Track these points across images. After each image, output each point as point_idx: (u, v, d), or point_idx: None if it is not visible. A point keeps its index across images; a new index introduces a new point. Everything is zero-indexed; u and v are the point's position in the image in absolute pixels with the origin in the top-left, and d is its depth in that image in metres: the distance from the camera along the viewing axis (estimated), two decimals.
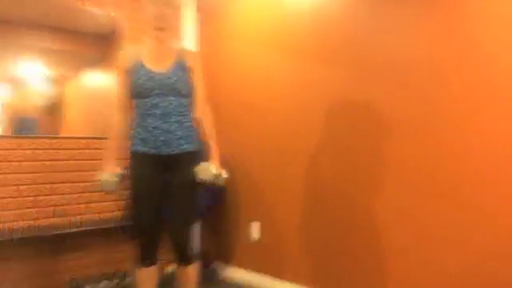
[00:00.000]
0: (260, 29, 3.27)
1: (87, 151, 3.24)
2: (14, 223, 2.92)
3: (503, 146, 2.07)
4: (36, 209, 3.01)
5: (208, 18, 3.75)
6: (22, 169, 2.96)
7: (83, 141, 3.24)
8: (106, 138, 2.19)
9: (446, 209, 2.26)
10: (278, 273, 3.12)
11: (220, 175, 2.02)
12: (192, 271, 2.23)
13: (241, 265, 3.44)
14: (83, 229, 3.08)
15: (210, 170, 2.00)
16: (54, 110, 3.29)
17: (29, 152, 2.99)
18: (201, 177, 2.01)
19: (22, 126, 3.12)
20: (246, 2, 3.40)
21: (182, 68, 2.08)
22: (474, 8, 2.17)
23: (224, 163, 3.42)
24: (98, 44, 3.53)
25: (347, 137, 2.72)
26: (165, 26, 2.07)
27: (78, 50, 3.44)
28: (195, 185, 2.07)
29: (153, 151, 2.07)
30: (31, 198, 2.99)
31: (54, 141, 3.12)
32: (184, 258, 2.19)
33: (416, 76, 2.39)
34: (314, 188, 2.90)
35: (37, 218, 3.01)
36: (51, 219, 3.07)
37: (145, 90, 2.04)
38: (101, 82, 3.56)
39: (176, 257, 2.19)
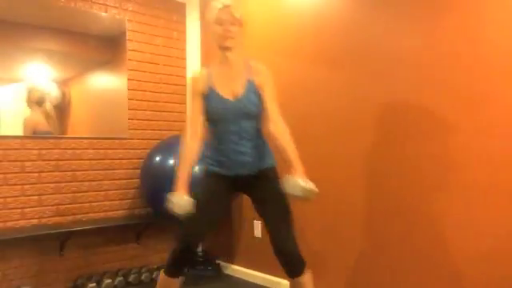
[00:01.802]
0: (262, 32, 3.30)
1: (91, 151, 3.28)
2: (18, 222, 2.95)
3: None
4: (40, 208, 3.04)
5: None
6: (26, 168, 3.00)
7: (86, 141, 3.27)
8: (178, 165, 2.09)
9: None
10: (279, 271, 3.12)
11: (310, 189, 1.83)
12: (308, 280, 2.05)
13: (244, 262, 3.45)
14: (87, 227, 3.10)
15: (298, 183, 1.83)
16: (59, 110, 3.32)
17: (33, 152, 3.03)
18: (291, 192, 1.85)
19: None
20: (248, 6, 3.44)
21: (253, 90, 2.02)
22: (473, 9, 2.17)
23: None
24: (103, 46, 3.58)
25: (347, 137, 2.73)
26: (232, 46, 2.02)
27: (83, 52, 3.48)
28: (285, 195, 1.95)
29: (228, 173, 2.05)
30: (35, 197, 3.03)
31: (59, 141, 3.16)
32: (295, 268, 2.02)
33: (416, 77, 2.40)
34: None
35: (41, 217, 3.04)
36: (55, 218, 3.10)
37: (218, 117, 2.03)
38: (106, 84, 3.61)
39: (287, 268, 2.04)
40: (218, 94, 2.02)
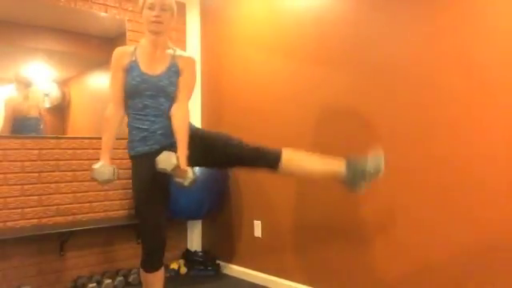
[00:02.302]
0: (262, 33, 3.30)
1: (91, 151, 3.27)
2: (18, 222, 2.95)
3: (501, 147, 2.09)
4: (40, 208, 3.04)
5: (210, 22, 3.80)
6: (26, 168, 3.00)
7: (86, 141, 3.27)
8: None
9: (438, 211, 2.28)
10: (279, 270, 3.13)
11: (180, 168, 1.91)
12: (290, 155, 2.14)
13: (244, 262, 3.45)
14: (87, 227, 3.10)
15: (170, 159, 1.89)
16: (59, 110, 3.33)
17: (33, 152, 3.03)
18: (160, 166, 1.90)
19: (24, 125, 3.15)
20: (248, 7, 3.44)
21: (174, 72, 2.11)
22: (472, 10, 2.18)
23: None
24: (102, 46, 3.57)
25: (348, 139, 2.73)
26: (161, 30, 2.08)
27: (83, 52, 3.48)
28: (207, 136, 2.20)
29: (150, 149, 2.08)
30: (35, 197, 3.03)
31: (59, 141, 3.16)
32: (270, 159, 2.13)
33: (416, 78, 2.40)
34: (314, 189, 2.92)
35: (41, 217, 3.04)
36: (55, 218, 3.10)
37: (137, 91, 2.08)
38: (106, 84, 3.60)
39: (265, 166, 2.15)
40: (139, 69, 2.08)
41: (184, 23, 3.84)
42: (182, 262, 3.64)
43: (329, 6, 2.85)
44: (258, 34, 3.33)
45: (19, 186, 2.96)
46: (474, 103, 2.17)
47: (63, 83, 3.33)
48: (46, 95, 3.26)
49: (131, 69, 2.08)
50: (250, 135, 3.31)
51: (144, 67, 2.09)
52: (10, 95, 3.11)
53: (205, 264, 3.56)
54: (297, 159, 2.17)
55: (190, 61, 2.19)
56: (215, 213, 3.55)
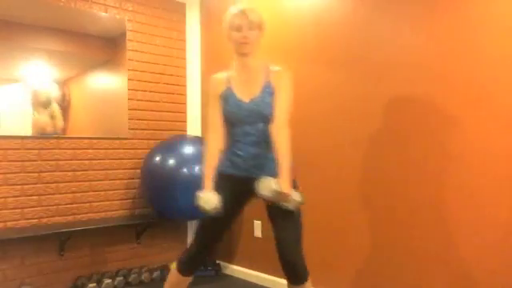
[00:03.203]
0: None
1: (91, 151, 3.28)
2: (18, 222, 2.95)
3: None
4: (40, 208, 3.04)
5: (210, 22, 3.80)
6: (26, 168, 3.00)
7: (86, 141, 3.27)
8: (204, 162, 2.12)
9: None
10: (279, 270, 3.11)
11: (282, 193, 1.83)
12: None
13: (244, 262, 3.45)
14: (87, 227, 3.10)
15: (270, 185, 1.83)
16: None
17: (33, 152, 3.03)
18: (261, 193, 1.85)
19: None
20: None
21: (269, 92, 2.02)
22: (472, 11, 2.17)
23: None
24: (103, 46, 3.58)
25: (348, 138, 2.73)
26: (250, 51, 2.01)
27: (83, 52, 3.48)
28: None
29: (243, 174, 2.04)
30: (35, 197, 3.03)
31: (59, 141, 3.16)
32: (297, 278, 1.99)
33: (416, 77, 2.40)
34: (314, 189, 2.92)
35: (41, 217, 3.04)
36: (55, 218, 3.10)
37: (235, 119, 2.04)
38: (106, 84, 3.60)
39: (288, 276, 2.01)
40: (235, 96, 2.04)
41: (184, 23, 3.84)
42: None
43: (330, 6, 2.85)
44: None
45: (19, 186, 2.96)
46: (475, 103, 2.17)
47: (63, 83, 3.33)
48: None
49: (227, 97, 2.04)
50: None
51: (239, 93, 2.03)
52: (35, 117, 3.15)
53: (205, 264, 3.55)
54: None
55: (283, 75, 2.07)
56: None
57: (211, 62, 3.78)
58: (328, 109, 2.84)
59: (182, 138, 3.56)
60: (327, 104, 2.85)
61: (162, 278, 3.36)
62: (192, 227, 3.85)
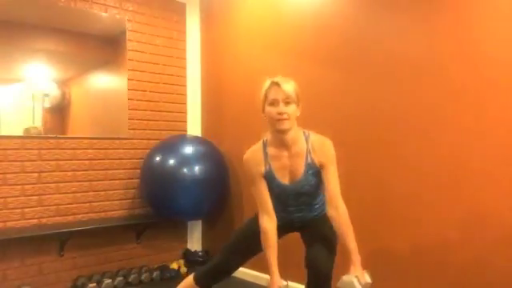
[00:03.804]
0: (262, 32, 3.30)
1: (91, 151, 3.27)
2: (18, 222, 2.95)
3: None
4: (40, 208, 3.04)
5: (210, 22, 3.79)
6: (26, 168, 3.00)
7: (86, 141, 3.27)
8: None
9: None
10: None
11: (366, 283, 1.77)
12: None
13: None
14: (87, 228, 3.10)
15: (354, 283, 1.75)
16: (59, 110, 3.33)
17: (33, 152, 3.03)
18: None
19: None
20: (248, 6, 3.44)
21: (312, 171, 1.91)
22: (471, 9, 2.18)
23: (229, 163, 3.48)
24: (103, 46, 3.58)
25: (349, 137, 2.73)
26: (288, 127, 1.85)
27: (83, 52, 3.48)
28: (333, 235, 1.92)
29: (284, 220, 2.01)
30: (35, 197, 3.03)
31: (59, 141, 3.16)
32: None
33: (415, 75, 2.40)
34: None
35: (41, 217, 3.04)
36: (55, 218, 3.10)
37: (277, 196, 1.99)
38: (106, 84, 3.61)
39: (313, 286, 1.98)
40: (276, 179, 1.93)
41: (184, 23, 3.84)
42: (182, 261, 3.63)
43: (329, 5, 2.85)
44: (259, 33, 3.33)
45: (19, 186, 2.96)
46: (476, 101, 2.17)
47: (63, 83, 3.33)
48: (46, 95, 3.26)
49: (269, 178, 1.95)
50: (252, 133, 3.31)
51: (281, 176, 1.93)
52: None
53: (205, 264, 3.55)
54: None
55: (327, 149, 1.93)
56: (215, 213, 3.55)
57: (211, 62, 3.78)
58: (328, 108, 2.84)
59: (182, 138, 3.56)
60: (326, 104, 2.85)
61: (162, 278, 3.37)
62: (192, 227, 3.85)
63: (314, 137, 1.95)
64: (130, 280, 3.24)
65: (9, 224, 2.91)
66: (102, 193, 3.33)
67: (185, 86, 3.80)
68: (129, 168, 3.47)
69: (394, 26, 2.51)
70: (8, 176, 2.92)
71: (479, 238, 2.16)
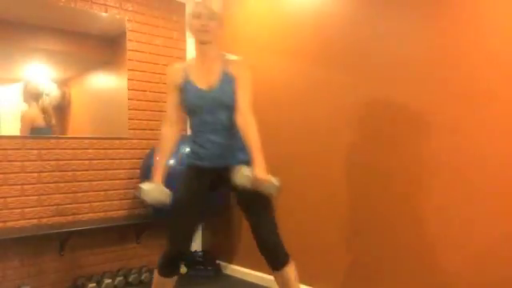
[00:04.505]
0: (262, 33, 3.30)
1: (91, 151, 3.27)
2: (18, 222, 2.95)
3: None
4: (40, 208, 3.04)
5: None
6: (26, 168, 3.00)
7: (86, 141, 3.27)
8: (157, 150, 2.19)
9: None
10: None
11: (260, 179, 1.84)
12: (292, 270, 2.09)
13: (244, 262, 3.45)
14: (87, 227, 3.10)
15: (246, 173, 1.86)
16: (59, 110, 3.32)
17: (33, 152, 3.03)
18: (238, 182, 1.87)
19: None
20: (249, 7, 3.44)
21: (228, 81, 2.04)
22: (472, 10, 2.18)
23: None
24: (103, 46, 3.58)
25: (350, 138, 2.73)
26: (209, 39, 2.04)
27: (83, 52, 3.48)
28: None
29: (209, 165, 2.08)
30: (35, 197, 3.03)
31: (59, 141, 3.16)
32: (279, 261, 2.07)
33: (416, 76, 2.40)
34: (315, 190, 2.92)
35: (41, 217, 3.04)
36: (55, 218, 3.10)
37: (195, 108, 2.08)
38: (106, 84, 3.60)
39: (271, 261, 2.09)
40: (193, 85, 2.07)
41: (184, 23, 3.83)
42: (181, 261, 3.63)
43: (330, 5, 2.85)
44: (259, 34, 3.33)
45: (19, 186, 2.96)
46: (476, 102, 2.17)
47: (63, 83, 3.33)
48: (46, 95, 3.26)
49: (186, 87, 2.07)
50: None
51: (198, 83, 2.06)
52: (26, 109, 3.14)
53: (205, 264, 3.55)
54: (290, 282, 2.10)
55: (242, 64, 2.11)
56: (215, 213, 3.55)
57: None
58: (327, 108, 2.84)
59: (182, 138, 3.55)
60: (326, 103, 2.85)
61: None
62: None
63: (233, 56, 2.14)
64: (130, 280, 3.24)
65: (9, 224, 2.91)
66: (102, 193, 3.33)
67: None
68: (129, 168, 3.47)
69: (394, 27, 2.51)
70: (8, 176, 2.92)
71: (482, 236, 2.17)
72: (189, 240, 2.16)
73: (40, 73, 3.23)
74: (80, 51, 3.46)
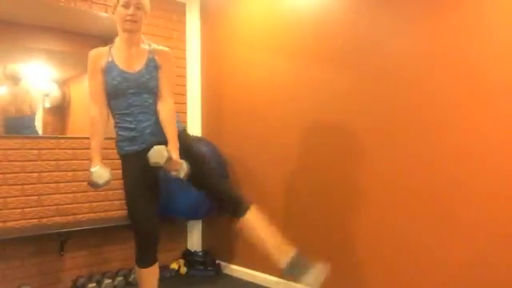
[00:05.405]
0: (262, 33, 3.30)
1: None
2: (18, 222, 2.95)
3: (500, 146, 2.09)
4: (40, 208, 3.04)
5: (210, 22, 3.79)
6: (26, 168, 3.00)
7: (86, 141, 3.23)
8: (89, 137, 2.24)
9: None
10: (279, 270, 3.12)
11: (174, 160, 1.96)
12: (255, 213, 2.19)
13: (244, 262, 3.45)
14: (87, 228, 3.10)
15: (162, 153, 1.94)
16: (59, 110, 3.32)
17: (33, 152, 3.03)
18: (152, 160, 1.95)
19: (17, 125, 3.14)
20: (249, 6, 3.44)
21: (153, 66, 2.12)
22: (476, 9, 2.18)
23: (229, 163, 3.48)
24: (103, 46, 3.57)
25: (349, 138, 2.73)
26: (136, 29, 2.09)
27: (83, 52, 3.45)
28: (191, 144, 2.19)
29: (143, 146, 2.11)
30: (35, 197, 3.03)
31: (59, 141, 3.16)
32: (241, 206, 2.17)
33: (416, 76, 2.41)
34: (315, 189, 2.92)
35: (41, 217, 3.04)
36: (55, 218, 3.10)
37: (120, 90, 2.10)
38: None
39: (233, 209, 2.19)
40: (118, 68, 2.09)
41: (184, 23, 3.84)
42: (181, 261, 3.64)
43: (329, 5, 2.85)
44: (259, 34, 3.33)
45: (19, 186, 2.96)
46: (475, 103, 2.17)
47: (63, 83, 3.33)
48: (46, 95, 3.26)
49: (109, 69, 2.10)
50: (250, 134, 3.34)
51: (122, 65, 2.11)
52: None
53: (205, 264, 3.56)
54: (256, 224, 2.19)
55: (167, 53, 2.20)
56: (215, 213, 3.55)
57: (211, 62, 3.78)
58: (328, 108, 2.85)
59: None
60: (326, 103, 2.85)
61: (162, 278, 3.36)
62: (191, 227, 3.85)
63: (157, 45, 2.21)
64: (130, 280, 3.24)
65: (9, 224, 2.91)
66: (102, 193, 3.32)
67: (184, 85, 3.80)
68: None
69: (394, 27, 2.51)
70: (8, 176, 2.92)
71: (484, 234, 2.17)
72: (150, 219, 2.19)
73: (40, 73, 3.23)
74: (80, 51, 3.45)
